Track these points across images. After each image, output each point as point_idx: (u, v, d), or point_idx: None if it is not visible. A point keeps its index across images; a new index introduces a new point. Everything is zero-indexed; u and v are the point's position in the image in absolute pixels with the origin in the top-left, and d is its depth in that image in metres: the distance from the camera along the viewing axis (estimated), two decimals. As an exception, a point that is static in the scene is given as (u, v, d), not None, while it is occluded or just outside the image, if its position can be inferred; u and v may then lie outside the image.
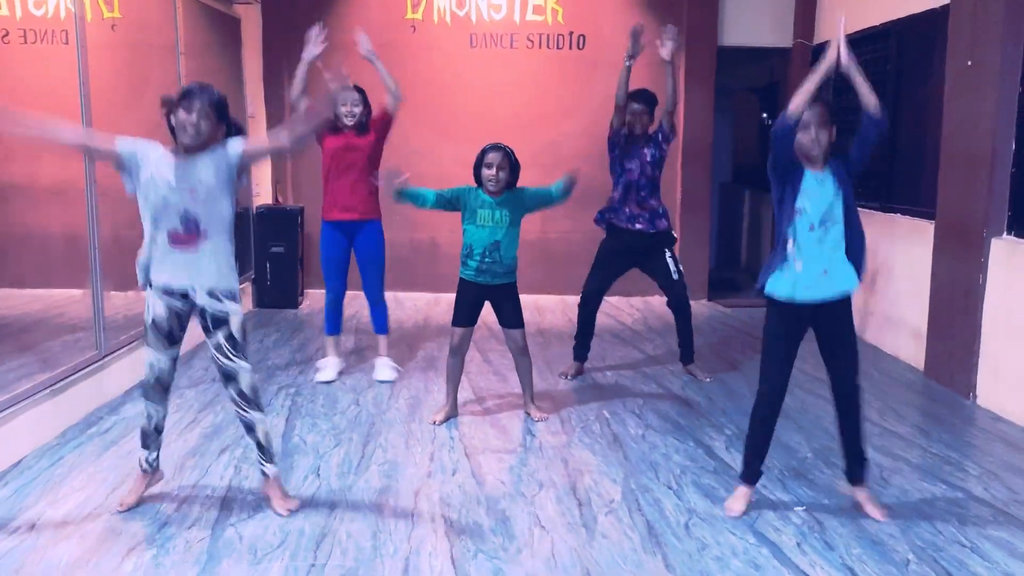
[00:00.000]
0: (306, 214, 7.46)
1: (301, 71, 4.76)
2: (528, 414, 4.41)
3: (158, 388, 3.23)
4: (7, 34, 6.76)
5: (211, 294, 3.10)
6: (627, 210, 5.08)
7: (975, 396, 4.77)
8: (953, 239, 4.99)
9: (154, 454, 3.33)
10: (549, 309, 7.30)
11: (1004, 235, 4.66)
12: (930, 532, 3.16)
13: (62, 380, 4.20)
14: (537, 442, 4.08)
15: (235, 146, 3.07)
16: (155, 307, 3.13)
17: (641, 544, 3.04)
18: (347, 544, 3.00)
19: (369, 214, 5.01)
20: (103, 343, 4.65)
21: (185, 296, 3.11)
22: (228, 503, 3.33)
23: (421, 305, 7.31)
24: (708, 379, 5.15)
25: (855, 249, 3.18)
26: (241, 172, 3.11)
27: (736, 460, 3.85)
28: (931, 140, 5.41)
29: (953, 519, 3.27)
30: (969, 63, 4.83)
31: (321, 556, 2.91)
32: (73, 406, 4.28)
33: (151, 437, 3.30)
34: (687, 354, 5.27)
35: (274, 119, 7.65)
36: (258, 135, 3.13)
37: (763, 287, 3.24)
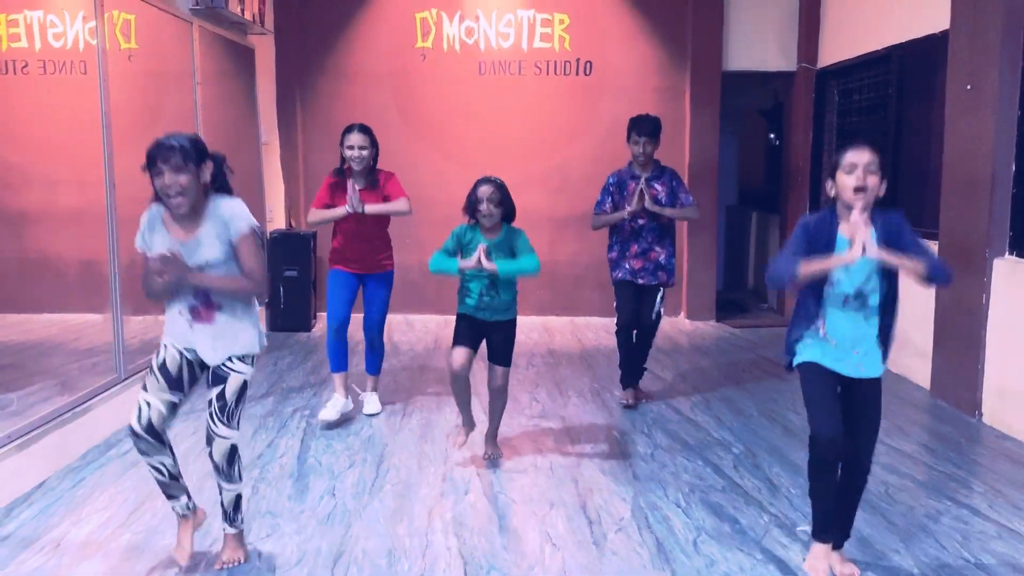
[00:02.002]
0: (319, 238, 7.58)
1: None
2: (485, 447, 4.21)
3: (151, 435, 2.86)
4: (27, 65, 6.95)
5: (228, 357, 2.93)
6: (627, 265, 5.01)
7: (980, 414, 4.82)
8: (956, 259, 5.05)
9: (183, 499, 3.05)
10: (558, 330, 7.38)
11: (1006, 255, 4.72)
12: (935, 548, 3.21)
13: (84, 403, 4.30)
14: (547, 461, 4.15)
15: (236, 226, 2.83)
16: (168, 351, 2.93)
17: (651, 561, 3.10)
18: (363, 562, 3.08)
19: (380, 268, 4.81)
20: (122, 367, 4.75)
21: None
22: (246, 521, 3.40)
23: (431, 327, 7.41)
24: (651, 400, 5.20)
25: (886, 327, 2.89)
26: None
27: (744, 479, 3.92)
28: (933, 162, 5.49)
29: (957, 535, 3.33)
30: (968, 87, 4.93)
31: (338, 574, 2.99)
32: (94, 428, 4.38)
33: (172, 486, 3.01)
34: (633, 378, 5.18)
35: (287, 146, 7.80)
36: (249, 250, 2.86)
37: (790, 365, 3.03)
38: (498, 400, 4.13)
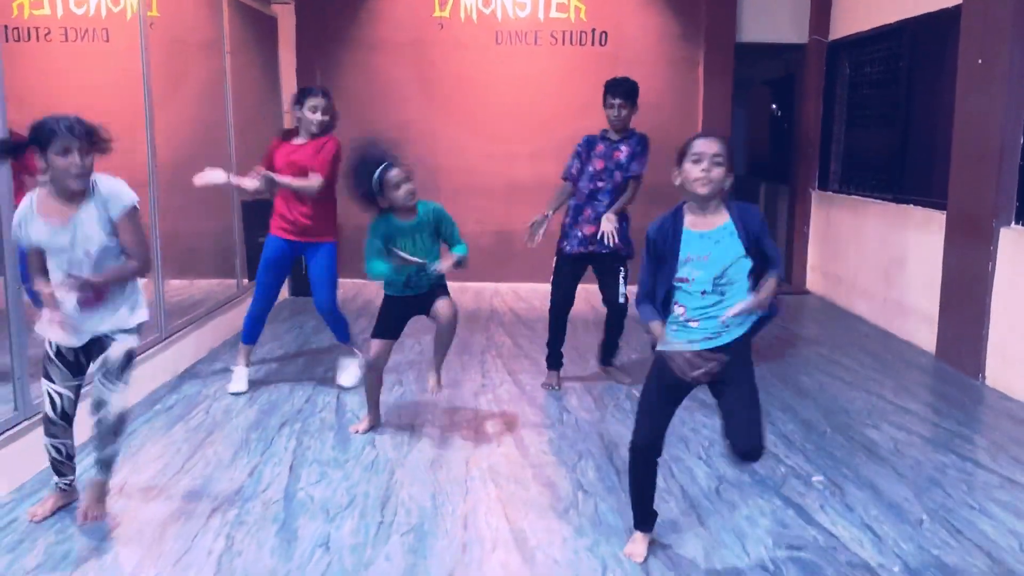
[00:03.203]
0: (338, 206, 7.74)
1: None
2: (428, 380, 4.04)
3: (65, 421, 3.10)
4: (49, 32, 7.07)
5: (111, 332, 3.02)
6: (579, 232, 4.73)
7: (984, 377, 5.03)
8: (963, 229, 5.25)
9: (70, 477, 3.24)
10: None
11: (1012, 224, 4.91)
12: (941, 496, 3.44)
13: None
14: (573, 418, 4.37)
15: (117, 204, 2.88)
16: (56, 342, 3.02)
17: (677, 506, 3.33)
18: (410, 504, 3.30)
19: (319, 235, 4.59)
20: (164, 326, 4.95)
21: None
22: (295, 469, 3.63)
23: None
24: (627, 381, 4.95)
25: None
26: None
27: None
28: (942, 135, 5.65)
29: (963, 485, 3.55)
30: (980, 61, 5.08)
31: (388, 515, 3.22)
32: (138, 385, 4.56)
33: (65, 465, 3.19)
34: (607, 356, 5.10)
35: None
36: (130, 228, 2.93)
37: (653, 346, 2.85)
38: (448, 333, 3.87)
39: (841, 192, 7.45)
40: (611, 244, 4.59)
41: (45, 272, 2.95)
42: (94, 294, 2.90)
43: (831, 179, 7.75)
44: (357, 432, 4.08)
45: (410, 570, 2.82)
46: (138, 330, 3.10)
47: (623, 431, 4.17)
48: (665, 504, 3.35)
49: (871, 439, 4.09)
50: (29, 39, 7.08)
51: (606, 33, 7.96)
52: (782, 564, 2.89)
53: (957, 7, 5.43)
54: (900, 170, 6.40)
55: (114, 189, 2.89)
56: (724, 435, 2.79)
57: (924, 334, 5.79)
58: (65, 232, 2.85)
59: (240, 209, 6.57)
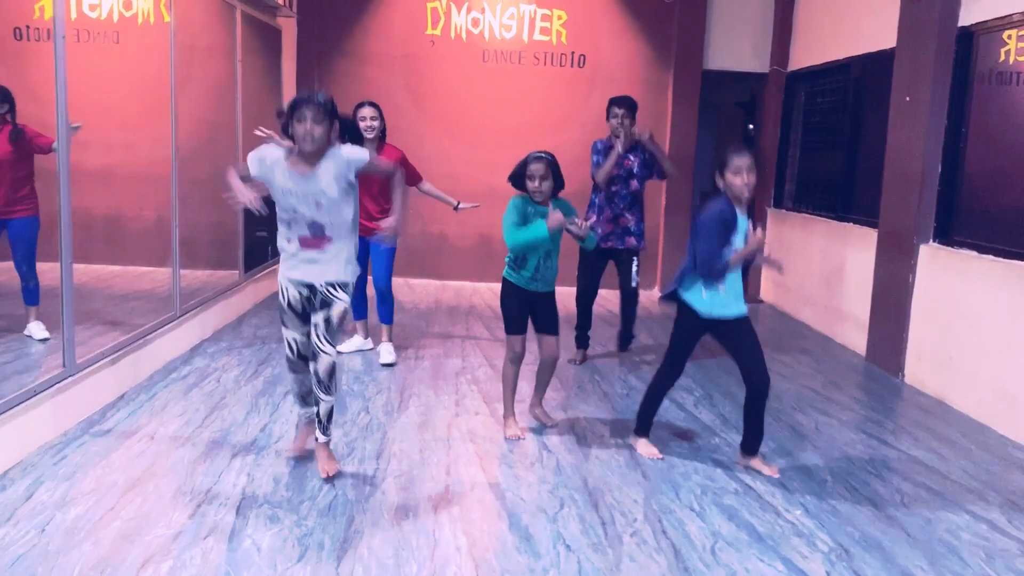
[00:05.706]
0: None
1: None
2: (544, 417, 4.49)
3: (301, 360, 3.69)
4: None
5: (330, 284, 3.54)
6: (599, 230, 5.53)
7: (903, 375, 5.73)
8: (891, 244, 5.95)
9: (312, 408, 3.79)
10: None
11: (930, 242, 5.62)
12: (846, 463, 4.11)
13: (145, 336, 5.04)
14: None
15: (358, 155, 3.48)
16: (288, 292, 3.60)
17: (625, 463, 3.97)
18: (400, 456, 3.91)
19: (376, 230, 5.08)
20: (178, 307, 5.51)
21: (311, 286, 3.57)
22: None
23: (431, 290, 8.22)
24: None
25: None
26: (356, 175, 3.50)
27: (703, 414, 4.79)
28: (878, 160, 6.37)
29: (866, 455, 4.23)
30: (907, 98, 5.80)
31: (382, 463, 3.82)
32: (156, 356, 5.14)
33: (309, 395, 3.77)
34: (624, 343, 6.10)
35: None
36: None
37: (675, 293, 3.84)
38: (550, 371, 4.39)
39: (793, 210, 8.16)
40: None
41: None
42: (314, 241, 3.50)
43: (785, 198, 8.46)
44: (520, 438, 4.23)
45: (403, 503, 3.43)
46: (348, 288, 3.59)
47: (585, 407, 4.81)
48: (615, 461, 3.99)
49: (797, 421, 4.76)
50: (40, 39, 7.58)
51: (584, 56, 8.64)
52: (707, 507, 3.53)
53: (892, 49, 6.15)
54: (843, 191, 7.12)
55: (353, 151, 3.48)
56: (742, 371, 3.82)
57: (857, 338, 6.49)
58: (303, 180, 3.40)
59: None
